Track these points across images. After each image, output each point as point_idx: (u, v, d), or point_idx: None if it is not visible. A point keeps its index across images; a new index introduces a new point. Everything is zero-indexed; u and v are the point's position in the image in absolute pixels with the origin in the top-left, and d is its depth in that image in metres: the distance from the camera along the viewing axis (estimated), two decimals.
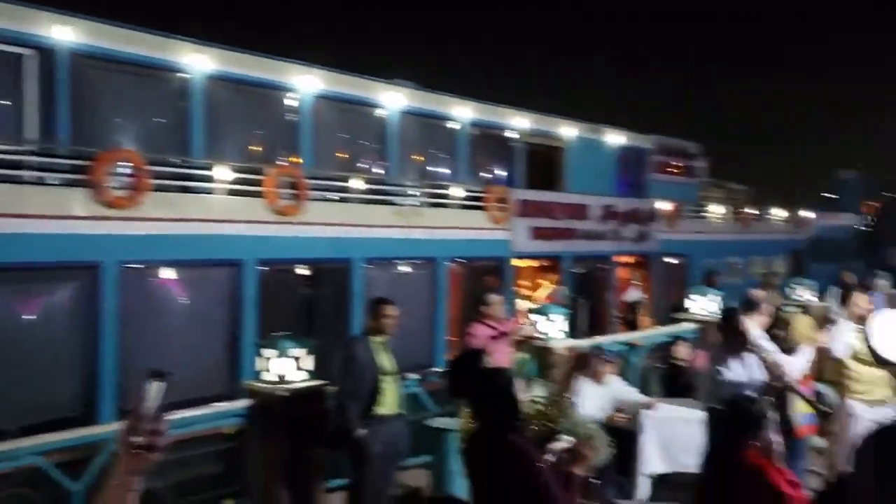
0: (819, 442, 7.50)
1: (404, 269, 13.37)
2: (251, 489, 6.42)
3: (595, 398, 6.78)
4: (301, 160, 12.48)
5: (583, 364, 6.87)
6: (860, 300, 6.59)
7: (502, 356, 6.12)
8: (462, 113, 15.13)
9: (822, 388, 7.64)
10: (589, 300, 15.66)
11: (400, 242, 12.73)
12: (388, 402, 6.34)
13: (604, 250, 17.08)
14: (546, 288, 16.05)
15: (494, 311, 6.28)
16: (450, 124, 15.15)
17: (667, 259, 19.13)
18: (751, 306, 6.95)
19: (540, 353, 7.92)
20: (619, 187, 18.92)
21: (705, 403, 5.85)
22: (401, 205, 13.08)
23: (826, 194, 38.20)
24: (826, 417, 6.94)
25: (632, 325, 16.78)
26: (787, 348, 6.64)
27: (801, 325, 7.69)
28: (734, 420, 4.07)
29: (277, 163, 12.08)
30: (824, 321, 9.09)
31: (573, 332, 14.23)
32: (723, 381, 5.80)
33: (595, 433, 5.05)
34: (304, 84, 12.35)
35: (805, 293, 12.99)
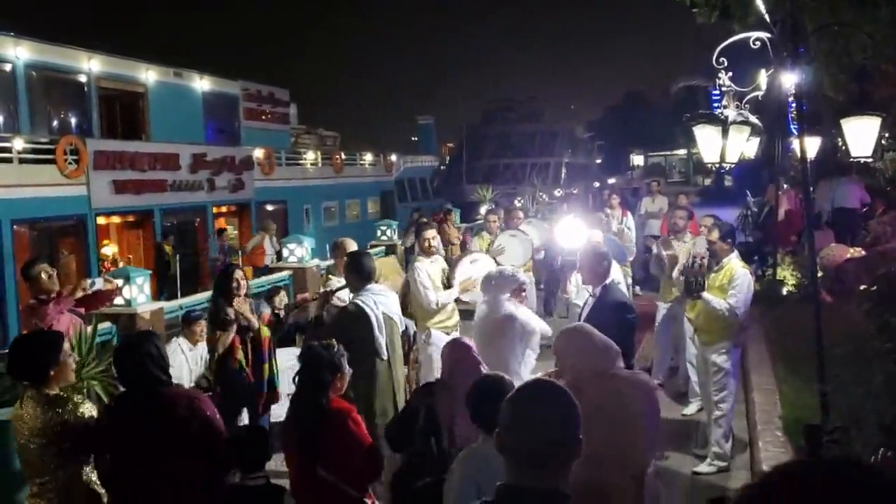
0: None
1: None
2: None
3: (186, 360, 6.48)
4: None
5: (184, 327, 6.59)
6: (429, 234, 7.21)
7: (64, 330, 5.42)
8: (17, 53, 13.01)
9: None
10: (184, 254, 14.94)
11: None
12: None
13: (199, 201, 16.42)
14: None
15: (42, 282, 5.51)
16: (3, 66, 12.94)
17: (266, 206, 19.17)
18: (336, 251, 7.23)
19: (123, 320, 7.31)
20: (209, 135, 18.25)
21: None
22: None
23: (412, 139, 41.94)
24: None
25: None
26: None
27: (386, 265, 8.21)
28: (319, 366, 4.14)
29: None
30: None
31: (169, 290, 13.63)
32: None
33: None
34: None
35: (389, 233, 14.07)
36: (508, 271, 5.96)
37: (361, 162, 25.86)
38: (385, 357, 5.29)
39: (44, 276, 5.55)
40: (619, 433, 3.53)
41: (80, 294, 5.96)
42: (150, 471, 3.57)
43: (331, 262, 8.31)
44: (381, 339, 5.25)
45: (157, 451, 3.56)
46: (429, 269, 6.82)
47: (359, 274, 5.39)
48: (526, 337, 5.52)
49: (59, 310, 5.51)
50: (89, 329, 5.60)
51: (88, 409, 3.67)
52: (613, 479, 3.52)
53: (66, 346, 3.77)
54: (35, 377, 3.62)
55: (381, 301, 5.37)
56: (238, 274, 5.90)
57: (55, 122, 14.72)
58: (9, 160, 12.03)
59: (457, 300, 6.84)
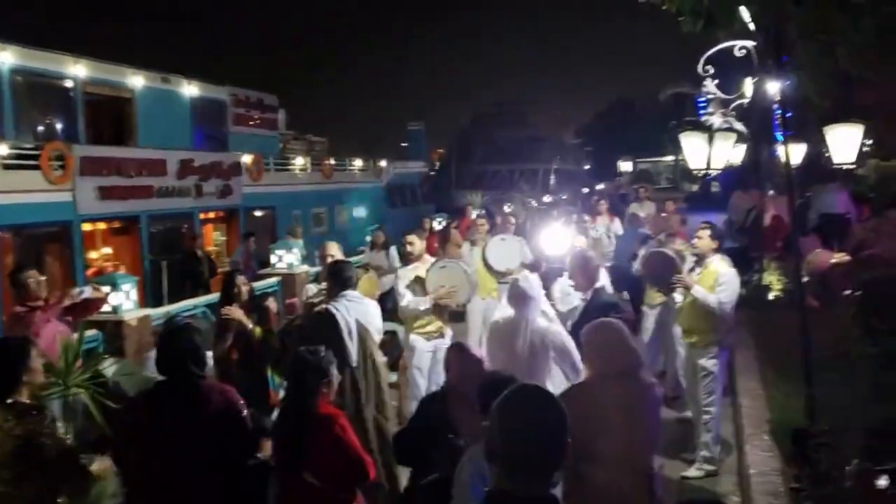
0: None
1: None
2: None
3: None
4: None
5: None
6: (407, 239, 7.21)
7: (50, 338, 5.38)
8: (2, 58, 12.91)
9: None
10: (172, 261, 14.87)
11: None
12: None
13: (186, 207, 16.34)
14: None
15: (30, 289, 5.48)
16: None
17: (254, 212, 19.10)
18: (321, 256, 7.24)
19: (109, 327, 7.27)
20: (198, 141, 18.15)
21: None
22: None
23: (401, 144, 41.97)
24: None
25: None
26: None
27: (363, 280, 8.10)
28: (305, 371, 4.14)
29: None
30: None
31: (155, 298, 13.55)
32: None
33: None
34: None
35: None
36: (536, 281, 5.55)
37: (351, 168, 25.83)
38: (354, 363, 5.25)
39: (32, 282, 5.52)
40: (636, 433, 3.59)
41: (67, 302, 5.92)
42: (181, 457, 3.70)
43: (319, 268, 8.31)
44: (351, 346, 5.23)
45: (189, 438, 3.71)
46: (407, 272, 6.91)
47: (335, 280, 5.51)
48: (564, 356, 5.10)
49: (46, 318, 5.48)
50: (75, 336, 5.56)
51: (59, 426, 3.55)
52: (627, 478, 3.57)
53: (34, 350, 3.65)
54: (6, 386, 3.49)
55: (355, 308, 5.38)
56: (240, 280, 5.99)
57: (41, 128, 14.60)
58: None
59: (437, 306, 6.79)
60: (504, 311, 5.42)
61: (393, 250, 10.92)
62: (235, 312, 5.69)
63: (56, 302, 5.77)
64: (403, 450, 4.22)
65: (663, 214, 10.81)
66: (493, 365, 4.82)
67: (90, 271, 13.47)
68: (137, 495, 3.91)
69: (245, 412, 3.93)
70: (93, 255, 14.64)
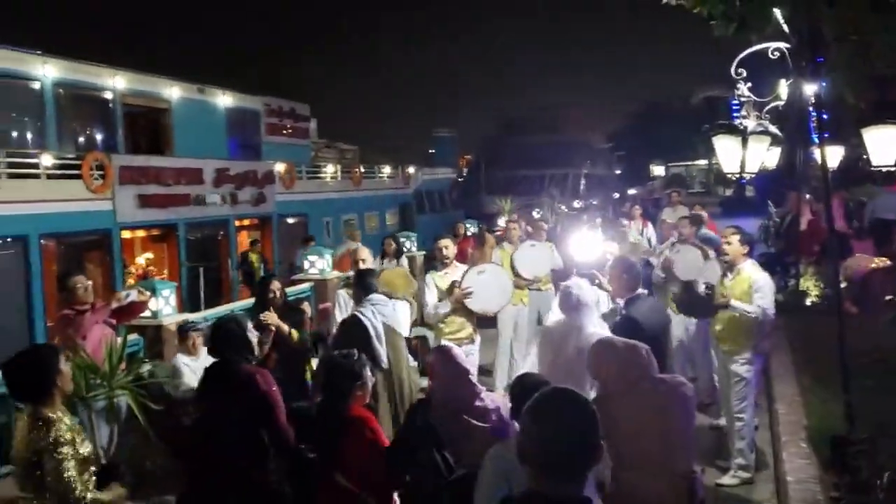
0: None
1: None
2: None
3: (191, 372, 6.55)
4: None
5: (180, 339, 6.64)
6: (441, 243, 7.25)
7: (97, 340, 5.54)
8: (45, 71, 13.28)
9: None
10: (209, 268, 15.14)
11: None
12: None
13: (221, 215, 16.60)
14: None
15: (78, 294, 5.64)
16: (32, 84, 13.21)
17: (287, 219, 19.32)
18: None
19: (149, 332, 7.43)
20: (232, 149, 18.46)
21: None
22: None
23: (429, 151, 42.06)
24: None
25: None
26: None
27: (398, 275, 8.15)
28: (339, 374, 4.19)
29: None
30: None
31: (193, 304, 13.79)
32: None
33: None
34: None
35: (408, 244, 14.13)
36: (589, 285, 5.51)
37: (380, 175, 26.01)
38: (385, 365, 5.47)
39: (80, 288, 5.67)
40: (663, 438, 3.57)
41: (115, 305, 6.09)
42: (227, 433, 4.03)
43: (351, 272, 8.39)
44: (380, 348, 5.42)
45: (234, 416, 4.03)
46: (436, 279, 6.96)
47: (360, 287, 5.94)
48: None
49: (95, 320, 5.64)
50: (119, 340, 5.70)
51: (70, 432, 3.44)
52: (666, 483, 3.55)
53: (62, 358, 3.63)
54: (39, 393, 3.46)
55: (381, 311, 5.65)
56: (275, 284, 6.13)
57: (81, 139, 14.96)
58: (37, 176, 12.26)
59: (470, 312, 6.82)
60: (556, 315, 5.39)
61: (404, 260, 10.99)
62: (272, 318, 5.80)
63: (105, 304, 5.93)
64: (395, 462, 4.11)
65: (670, 221, 10.39)
66: (541, 369, 4.83)
67: (134, 277, 13.75)
68: (193, 474, 4.20)
69: (279, 395, 4.19)
70: (138, 260, 15.02)
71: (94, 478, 3.51)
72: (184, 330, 6.45)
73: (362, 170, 24.49)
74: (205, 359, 6.49)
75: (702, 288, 5.98)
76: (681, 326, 7.70)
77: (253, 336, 4.41)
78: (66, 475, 3.32)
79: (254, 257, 16.15)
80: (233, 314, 5.18)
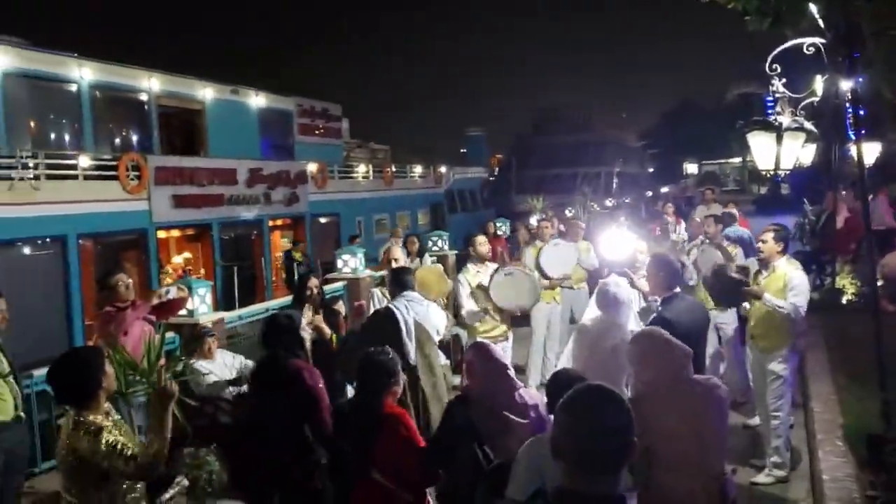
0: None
1: (24, 250, 11.77)
2: None
3: (217, 373, 6.64)
4: None
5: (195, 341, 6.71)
6: (478, 240, 7.33)
7: (137, 336, 5.66)
8: (82, 74, 13.56)
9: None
10: (242, 267, 15.34)
11: (16, 221, 11.15)
12: (5, 407, 5.50)
13: (255, 214, 16.81)
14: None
15: (120, 291, 5.76)
16: (69, 86, 13.50)
17: (319, 219, 19.49)
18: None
19: (185, 330, 7.54)
20: (265, 150, 18.66)
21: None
22: (13, 178, 11.39)
23: (461, 150, 42.09)
24: None
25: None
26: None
27: (432, 272, 8.22)
28: (374, 371, 4.23)
29: None
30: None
31: (228, 302, 13.98)
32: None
33: None
34: None
35: (440, 243, 14.14)
36: (626, 284, 5.50)
37: (412, 174, 26.08)
38: (412, 361, 5.51)
39: (122, 285, 5.79)
40: (699, 440, 3.57)
41: (155, 301, 6.21)
42: (272, 427, 4.22)
43: (384, 272, 8.46)
44: (410, 344, 5.46)
45: (280, 410, 4.22)
46: (469, 277, 7.01)
47: (396, 283, 6.05)
48: None
49: (137, 316, 5.76)
50: (157, 337, 5.81)
51: (113, 439, 3.37)
52: (698, 483, 3.55)
53: (106, 359, 3.62)
54: (84, 395, 3.43)
55: (415, 308, 5.72)
56: (312, 282, 6.20)
57: (117, 140, 15.23)
58: (74, 177, 12.51)
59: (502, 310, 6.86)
60: (592, 312, 5.39)
61: (427, 258, 11.02)
62: (319, 320, 5.91)
63: (145, 301, 6.05)
64: (434, 460, 4.10)
65: (697, 220, 10.25)
66: (576, 366, 4.83)
67: (172, 277, 13.99)
68: (236, 470, 4.43)
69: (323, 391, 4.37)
70: (175, 260, 15.28)
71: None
72: (199, 335, 6.50)
73: (394, 169, 24.58)
74: (220, 361, 6.62)
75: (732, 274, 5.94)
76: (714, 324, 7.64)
77: (305, 333, 4.50)
78: (128, 470, 3.33)
79: (297, 255, 16.32)
80: (284, 311, 5.23)
